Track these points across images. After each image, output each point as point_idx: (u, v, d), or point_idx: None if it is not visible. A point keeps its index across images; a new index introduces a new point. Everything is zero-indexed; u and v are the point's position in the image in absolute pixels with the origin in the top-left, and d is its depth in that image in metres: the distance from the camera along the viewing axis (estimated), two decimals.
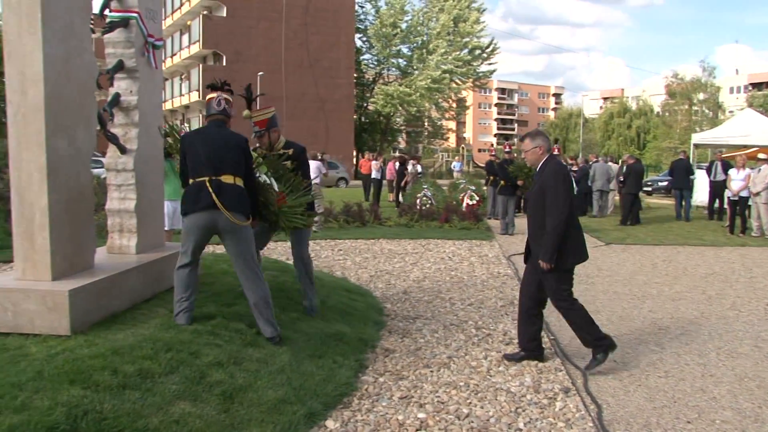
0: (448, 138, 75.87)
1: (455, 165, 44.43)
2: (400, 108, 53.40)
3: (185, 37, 50.62)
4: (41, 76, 4.61)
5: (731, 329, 6.93)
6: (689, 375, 5.44)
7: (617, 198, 20.28)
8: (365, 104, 56.53)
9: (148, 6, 6.16)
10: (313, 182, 14.00)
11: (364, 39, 55.18)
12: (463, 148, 73.67)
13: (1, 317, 4.57)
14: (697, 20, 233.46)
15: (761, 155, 15.28)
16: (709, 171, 18.40)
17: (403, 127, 63.22)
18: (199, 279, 5.45)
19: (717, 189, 17.68)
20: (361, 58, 55.74)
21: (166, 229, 6.76)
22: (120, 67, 5.94)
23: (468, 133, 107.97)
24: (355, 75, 52.35)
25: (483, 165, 23.10)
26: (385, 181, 23.53)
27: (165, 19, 46.67)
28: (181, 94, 51.88)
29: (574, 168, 19.98)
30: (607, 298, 8.37)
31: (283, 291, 6.49)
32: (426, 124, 63.48)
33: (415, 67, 52.91)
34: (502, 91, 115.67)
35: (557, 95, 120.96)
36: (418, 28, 53.84)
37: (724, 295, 8.67)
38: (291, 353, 5.00)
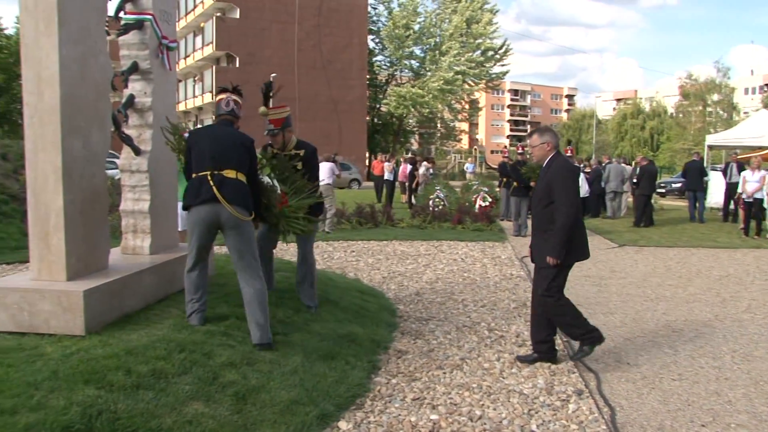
0: (461, 139, 75.75)
1: (468, 166, 44.11)
2: (412, 109, 53.34)
3: (198, 39, 50.79)
4: (57, 78, 4.65)
5: (746, 332, 6.88)
6: (703, 378, 5.40)
7: (630, 200, 20.19)
8: (378, 105, 56.54)
9: (163, 8, 6.19)
10: (325, 183, 14.16)
11: (377, 40, 55.21)
12: (475, 149, 73.57)
13: (18, 317, 4.61)
14: (712, 20, 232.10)
15: None
16: (725, 173, 18.29)
17: (415, 129, 63.15)
18: (209, 280, 5.47)
19: (732, 191, 17.56)
20: (374, 59, 55.74)
21: (179, 229, 6.78)
22: (134, 68, 5.98)
23: (481, 135, 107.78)
24: (367, 76, 52.36)
25: (496, 166, 23.08)
26: (397, 183, 23.53)
27: (178, 21, 46.90)
28: (194, 96, 52.04)
29: (587, 169, 19.90)
30: (621, 300, 8.33)
31: (295, 292, 6.49)
32: (439, 125, 63.34)
33: (427, 69, 52.85)
34: (515, 92, 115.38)
35: (570, 96, 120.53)
36: (431, 30, 53.80)
37: (738, 297, 8.61)
38: (303, 354, 5.01)
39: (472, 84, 56.44)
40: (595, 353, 5.91)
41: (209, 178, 4.88)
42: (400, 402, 4.65)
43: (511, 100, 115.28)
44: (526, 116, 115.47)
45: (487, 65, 55.70)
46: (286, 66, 45.88)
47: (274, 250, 6.53)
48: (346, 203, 17.05)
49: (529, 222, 6.44)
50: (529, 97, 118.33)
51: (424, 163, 24.28)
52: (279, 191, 5.61)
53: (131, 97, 6.02)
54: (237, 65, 46.42)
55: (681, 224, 17.68)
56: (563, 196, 5.23)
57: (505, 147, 30.36)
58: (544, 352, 5.59)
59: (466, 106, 62.06)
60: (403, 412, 4.48)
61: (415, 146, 68.00)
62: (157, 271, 5.71)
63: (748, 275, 10.31)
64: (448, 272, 10.00)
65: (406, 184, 22.81)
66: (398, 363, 5.51)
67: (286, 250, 10.63)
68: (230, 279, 6.62)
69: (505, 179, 17.54)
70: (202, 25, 50.12)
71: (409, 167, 22.63)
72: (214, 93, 44.89)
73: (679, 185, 28.57)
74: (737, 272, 10.58)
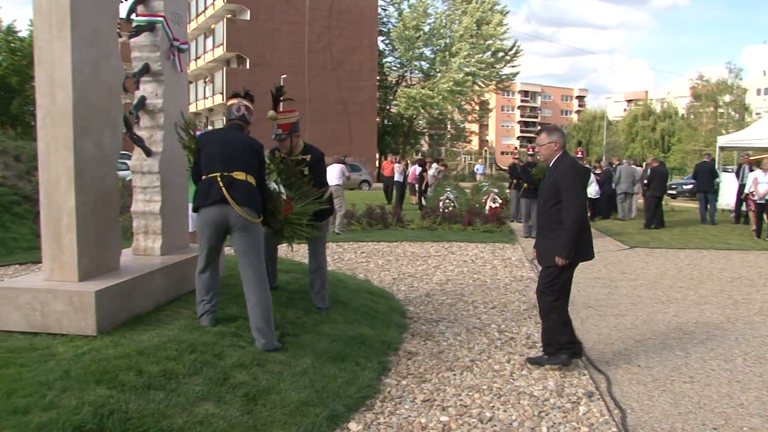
0: (471, 141, 75.62)
1: (478, 168, 44.05)
2: (422, 111, 53.31)
3: (209, 41, 50.95)
4: (69, 80, 4.68)
5: (758, 334, 6.84)
6: (715, 380, 5.37)
7: (641, 201, 20.12)
8: (388, 107, 56.55)
9: (174, 10, 6.22)
10: (335, 184, 14.18)
11: (387, 42, 55.22)
12: (486, 150, 73.41)
13: (30, 317, 4.64)
14: (724, 21, 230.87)
15: None
16: (737, 174, 18.19)
17: (425, 130, 63.13)
18: (220, 281, 5.48)
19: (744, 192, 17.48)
20: (384, 60, 55.75)
21: (190, 230, 6.81)
22: (146, 70, 6.01)
23: (491, 136, 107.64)
24: (377, 78, 52.36)
25: (506, 168, 23.03)
26: (407, 184, 23.51)
27: (189, 22, 47.06)
28: (204, 97, 52.22)
29: (597, 171, 19.84)
30: (631, 302, 8.30)
31: (306, 292, 6.50)
32: (449, 126, 63.32)
33: (437, 70, 52.81)
34: (525, 93, 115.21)
35: (580, 98, 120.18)
36: (441, 31, 53.76)
37: (750, 299, 8.56)
38: (314, 355, 5.02)
39: (482, 85, 56.35)
40: (605, 355, 5.91)
41: (219, 179, 4.89)
42: (410, 403, 4.65)
43: (522, 101, 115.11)
44: (537, 117, 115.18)
45: (497, 66, 55.60)
46: (297, 67, 46.00)
47: (278, 250, 6.53)
48: (356, 204, 17.06)
49: None
50: (539, 99, 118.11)
51: (434, 164, 24.24)
52: (285, 197, 5.63)
53: (142, 99, 6.05)
54: (247, 67, 46.55)
55: (692, 226, 17.59)
56: (570, 196, 5.22)
57: (516, 148, 30.30)
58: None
59: (476, 108, 61.95)
60: (413, 413, 4.48)
61: (425, 147, 67.98)
62: (168, 272, 5.73)
63: (761, 277, 10.25)
64: (458, 274, 10.00)
65: (416, 185, 22.80)
66: (408, 364, 5.51)
67: (297, 251, 10.65)
68: (241, 280, 6.64)
69: (515, 180, 17.50)
70: (212, 26, 50.28)
71: (418, 169, 22.61)
72: (224, 94, 45.11)
73: (689, 187, 28.45)
74: (749, 274, 10.52)
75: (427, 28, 53.20)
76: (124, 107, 5.59)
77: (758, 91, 70.71)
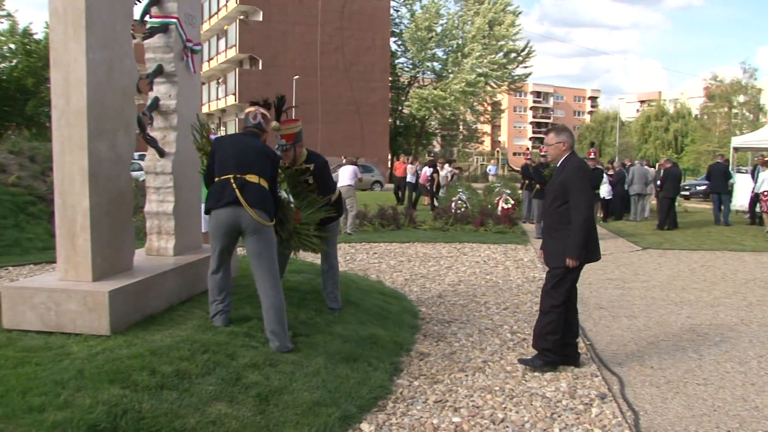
0: (483, 141, 75.54)
1: (490, 168, 44.02)
2: (434, 111, 53.31)
3: (222, 42, 51.18)
4: (84, 81, 4.72)
5: None
6: (729, 383, 5.34)
7: (654, 202, 20.02)
8: (400, 108, 56.56)
9: (187, 11, 6.25)
10: (347, 185, 14.21)
11: (399, 42, 55.26)
12: (498, 151, 73.41)
13: (45, 316, 4.68)
14: (738, 21, 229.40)
15: None
16: (753, 175, 18.08)
17: (437, 131, 63.13)
18: (233, 281, 5.50)
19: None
20: (396, 61, 55.77)
21: (203, 231, 6.84)
22: (159, 71, 6.04)
23: (503, 137, 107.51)
24: (390, 78, 52.40)
25: (518, 168, 22.97)
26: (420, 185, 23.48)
27: (202, 24, 47.27)
28: (217, 98, 52.46)
29: (610, 172, 19.77)
30: (644, 303, 8.26)
31: (318, 293, 6.51)
32: (461, 127, 63.29)
33: (450, 71, 52.77)
34: (538, 94, 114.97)
35: (593, 98, 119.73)
36: (453, 32, 53.75)
37: (765, 301, 8.49)
38: (326, 356, 5.02)
39: (495, 86, 56.31)
40: (618, 357, 5.89)
41: (232, 181, 4.90)
42: (422, 404, 4.65)
43: (534, 102, 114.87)
44: (549, 118, 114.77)
45: (510, 67, 55.54)
46: (309, 68, 46.11)
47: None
48: (368, 205, 17.07)
49: None
50: (551, 99, 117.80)
51: (446, 165, 24.20)
52: (293, 207, 5.64)
53: (156, 100, 6.08)
54: (260, 68, 46.73)
55: (705, 227, 17.49)
56: (579, 196, 5.20)
57: (528, 149, 30.24)
58: (566, 355, 5.56)
59: (489, 108, 61.86)
60: (425, 414, 4.48)
61: (437, 148, 67.93)
62: (181, 273, 5.76)
63: None
64: (471, 274, 9.98)
65: (428, 187, 22.75)
66: (420, 365, 5.51)
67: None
68: (254, 281, 6.66)
69: (527, 181, 17.48)
70: (225, 28, 50.50)
71: (429, 170, 22.55)
72: (237, 95, 45.31)
73: (703, 188, 28.30)
74: (764, 276, 10.44)
75: (439, 29, 53.20)
76: (137, 108, 5.62)
77: None
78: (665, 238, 15.23)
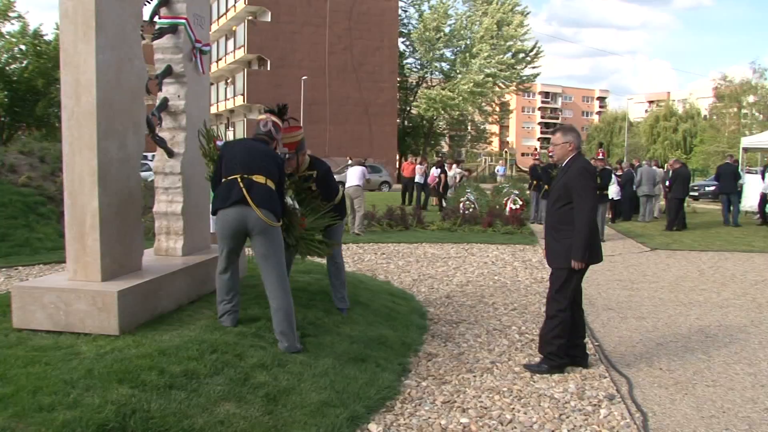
0: (492, 142, 75.44)
1: (499, 169, 43.95)
2: (443, 112, 53.24)
3: (230, 42, 51.25)
4: (94, 82, 4.74)
5: None
6: (739, 384, 5.31)
7: (663, 203, 19.95)
8: (408, 108, 56.52)
9: (196, 12, 6.27)
10: (356, 185, 14.23)
11: (408, 43, 55.19)
12: (506, 152, 73.27)
13: (54, 316, 4.71)
14: (748, 20, 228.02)
15: None
16: (762, 175, 18.01)
17: (446, 131, 63.06)
18: (241, 281, 5.51)
19: None
20: (405, 62, 55.71)
21: (212, 231, 6.85)
22: (168, 72, 6.06)
23: (511, 137, 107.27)
24: (398, 79, 52.36)
25: (526, 169, 22.93)
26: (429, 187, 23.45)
27: (211, 24, 47.35)
28: (226, 99, 52.55)
29: (619, 172, 19.72)
30: (653, 304, 8.23)
31: (327, 293, 6.52)
32: (469, 128, 63.22)
33: (458, 71, 52.67)
34: (546, 94, 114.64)
35: (602, 99, 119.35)
36: (462, 32, 53.64)
37: None
38: (334, 356, 5.03)
39: (503, 86, 56.15)
40: (626, 358, 5.88)
41: (239, 180, 4.90)
42: (430, 405, 4.65)
43: (542, 102, 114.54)
44: (557, 119, 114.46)
45: (518, 67, 55.38)
46: (317, 69, 46.12)
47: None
48: (377, 206, 17.07)
49: None
50: (560, 100, 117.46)
51: (454, 165, 24.16)
52: (299, 214, 5.66)
53: (165, 100, 6.10)
54: (268, 68, 46.75)
55: (714, 228, 17.41)
56: (582, 197, 5.19)
57: (536, 149, 30.17)
58: (574, 356, 5.55)
59: (497, 109, 61.77)
60: (433, 415, 4.48)
61: (445, 149, 67.89)
62: (190, 273, 5.78)
63: None
64: (479, 275, 9.98)
65: (436, 188, 22.72)
66: (428, 366, 5.51)
67: None
68: (262, 281, 6.68)
69: (535, 182, 17.45)
70: (234, 28, 50.58)
71: (436, 171, 22.52)
72: (245, 96, 45.38)
73: (712, 188, 28.17)
74: None
75: (447, 30, 53.11)
76: (146, 109, 5.64)
77: None
78: (674, 239, 15.17)
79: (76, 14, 4.72)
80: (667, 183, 17.97)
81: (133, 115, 5.27)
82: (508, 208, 17.63)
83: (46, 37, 35.55)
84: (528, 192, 19.50)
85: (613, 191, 17.65)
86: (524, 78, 57.24)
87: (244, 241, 5.15)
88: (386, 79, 49.89)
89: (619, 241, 14.79)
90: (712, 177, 26.54)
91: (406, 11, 55.00)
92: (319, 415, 4.04)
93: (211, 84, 48.32)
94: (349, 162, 18.04)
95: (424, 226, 16.10)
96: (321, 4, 46.57)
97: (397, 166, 49.14)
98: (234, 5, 50.01)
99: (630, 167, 21.30)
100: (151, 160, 6.66)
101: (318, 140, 43.49)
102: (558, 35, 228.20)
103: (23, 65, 35.13)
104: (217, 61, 52.15)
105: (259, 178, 4.94)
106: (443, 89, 51.65)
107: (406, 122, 57.02)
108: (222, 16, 52.79)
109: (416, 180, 22.82)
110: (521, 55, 55.29)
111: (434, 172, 22.61)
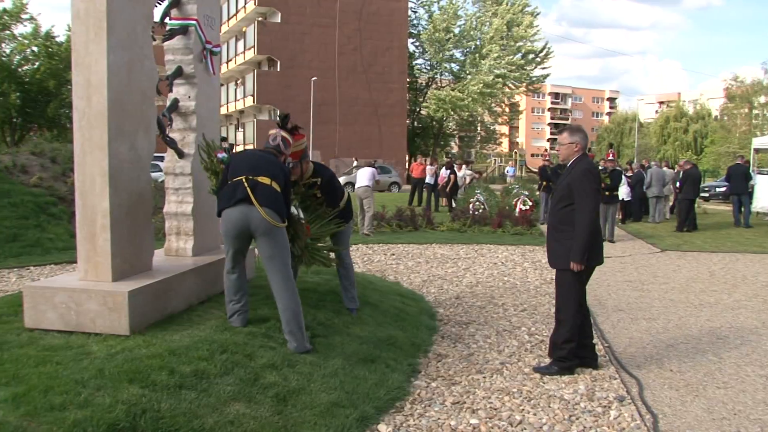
0: (501, 143, 75.35)
1: (509, 170, 43.92)
2: (452, 113, 53.20)
3: (240, 43, 51.38)
4: (105, 83, 4.76)
5: None
6: (750, 387, 5.28)
7: (670, 204, 19.88)
8: (418, 109, 56.51)
9: (207, 13, 6.30)
10: (365, 186, 14.24)
11: (417, 44, 55.16)
12: (516, 153, 73.14)
13: (65, 316, 4.73)
14: (759, 20, 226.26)
15: None
16: None
17: (455, 132, 63.01)
18: (250, 282, 5.52)
19: None
20: (414, 62, 55.69)
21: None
22: (179, 73, 6.09)
23: (521, 138, 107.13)
24: (407, 80, 52.36)
25: (536, 170, 22.87)
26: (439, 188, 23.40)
27: (221, 25, 47.46)
28: (236, 99, 52.69)
29: (629, 173, 19.65)
30: (663, 305, 8.20)
31: (336, 294, 6.53)
32: (479, 128, 63.14)
33: (467, 72, 52.63)
34: (556, 95, 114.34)
35: (612, 99, 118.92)
36: (471, 33, 53.58)
37: None
38: (344, 357, 5.03)
39: (513, 87, 56.08)
40: (636, 359, 5.85)
41: (244, 180, 4.90)
42: (440, 406, 4.65)
43: (552, 103, 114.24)
44: (567, 119, 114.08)
45: (528, 68, 55.29)
46: (327, 70, 46.18)
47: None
48: (386, 206, 17.07)
49: None
50: (569, 100, 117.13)
51: (464, 166, 24.12)
52: (304, 223, 5.66)
53: (175, 101, 6.12)
54: (278, 69, 46.84)
55: (725, 229, 17.32)
56: (584, 199, 5.17)
57: (546, 150, 30.12)
58: (583, 357, 5.53)
59: (506, 110, 61.65)
60: (442, 415, 4.47)
61: (455, 150, 67.85)
62: (200, 273, 5.80)
63: None
64: (488, 276, 9.96)
65: (446, 188, 22.68)
66: (438, 366, 5.50)
67: None
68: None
69: (545, 183, 17.41)
70: (243, 29, 50.70)
71: (446, 172, 22.47)
72: (255, 97, 45.49)
73: (723, 189, 28.03)
74: None
75: (457, 30, 53.07)
76: (157, 109, 5.66)
77: None
78: (684, 239, 15.10)
79: (88, 15, 4.75)
80: (678, 184, 17.90)
81: (143, 116, 5.29)
82: (517, 209, 17.61)
83: (57, 39, 35.68)
84: (537, 193, 19.45)
85: (624, 192, 17.59)
86: (534, 79, 57.15)
87: (250, 242, 5.14)
88: (396, 80, 49.89)
89: (629, 242, 14.74)
90: (723, 178, 26.41)
91: (415, 12, 55.03)
92: (329, 416, 4.04)
93: (221, 85, 48.56)
94: (355, 163, 18.03)
95: (433, 226, 16.09)
96: (330, 4, 46.64)
97: (407, 167, 49.14)
98: (244, 6, 50.16)
99: (640, 168, 21.22)
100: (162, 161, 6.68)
101: (327, 141, 43.59)
102: (568, 36, 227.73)
103: (35, 66, 35.26)
104: (227, 62, 52.30)
105: (264, 180, 4.94)
106: (453, 90, 51.62)
107: (415, 123, 57.01)
108: (232, 17, 52.94)
109: (426, 180, 22.80)
110: (531, 56, 55.20)
111: (443, 173, 22.57)
